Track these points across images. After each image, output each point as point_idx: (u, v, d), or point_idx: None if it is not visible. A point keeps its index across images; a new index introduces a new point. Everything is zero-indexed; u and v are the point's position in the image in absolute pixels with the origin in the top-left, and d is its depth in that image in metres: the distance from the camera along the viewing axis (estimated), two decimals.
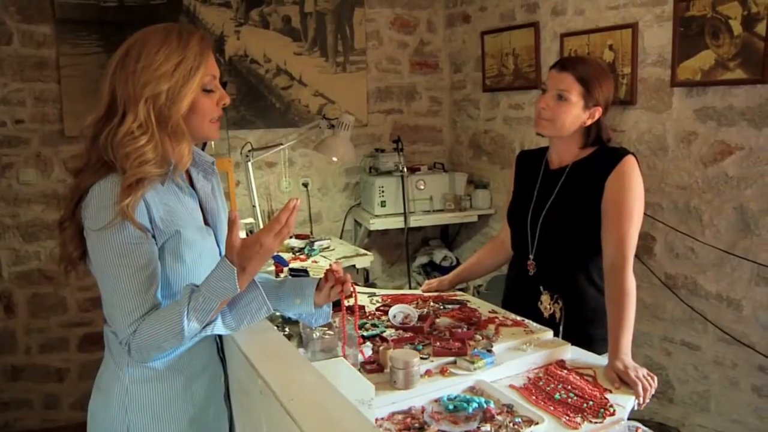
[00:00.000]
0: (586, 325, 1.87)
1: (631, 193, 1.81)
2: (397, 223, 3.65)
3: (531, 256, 1.97)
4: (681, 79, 2.55)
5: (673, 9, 2.54)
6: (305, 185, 3.81)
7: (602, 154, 1.90)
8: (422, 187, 3.72)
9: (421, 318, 1.86)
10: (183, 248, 1.34)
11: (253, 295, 1.32)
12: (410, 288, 3.79)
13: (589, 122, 1.89)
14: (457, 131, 4.11)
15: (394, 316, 1.86)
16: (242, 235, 2.89)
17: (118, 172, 1.29)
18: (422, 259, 4.02)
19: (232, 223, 1.26)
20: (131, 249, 1.26)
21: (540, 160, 2.05)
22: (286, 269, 2.54)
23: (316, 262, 2.90)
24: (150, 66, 1.29)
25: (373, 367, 1.55)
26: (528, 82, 3.42)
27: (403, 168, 3.63)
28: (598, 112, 1.88)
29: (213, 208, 1.48)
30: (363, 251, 3.27)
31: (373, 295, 2.21)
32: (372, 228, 3.65)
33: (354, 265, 3.13)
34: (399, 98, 4.05)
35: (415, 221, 3.68)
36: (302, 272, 2.51)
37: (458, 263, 3.80)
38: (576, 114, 1.87)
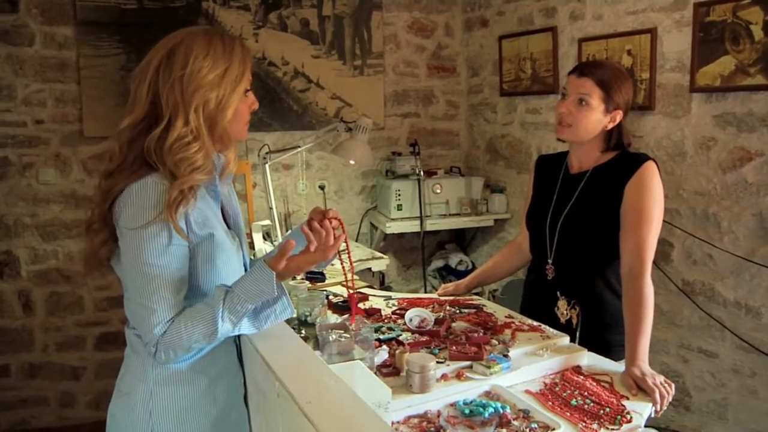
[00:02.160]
0: (603, 331, 1.86)
1: (650, 200, 1.81)
2: (413, 226, 3.65)
3: (550, 261, 1.97)
4: (700, 84, 2.54)
5: (692, 14, 2.53)
6: (322, 188, 3.81)
7: (623, 160, 1.90)
8: (438, 191, 3.71)
9: (438, 322, 1.86)
10: (215, 251, 1.36)
11: (278, 297, 1.34)
12: (425, 292, 3.78)
13: (610, 126, 1.89)
14: (474, 135, 4.11)
15: (411, 320, 1.86)
16: (256, 237, 2.92)
17: (159, 173, 1.29)
18: (438, 263, 4.00)
19: (287, 249, 1.31)
20: (169, 251, 1.27)
21: (560, 164, 2.05)
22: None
23: (332, 264, 2.89)
24: (199, 72, 1.29)
25: (390, 370, 1.55)
26: (545, 87, 3.42)
27: (419, 171, 3.63)
28: (618, 116, 1.89)
29: (234, 211, 1.50)
30: (379, 254, 3.26)
31: (389, 298, 2.22)
32: (388, 231, 3.65)
33: (370, 268, 3.13)
34: (416, 102, 4.05)
35: (431, 225, 3.68)
36: (318, 274, 2.51)
37: (474, 267, 3.86)
38: (597, 118, 1.87)
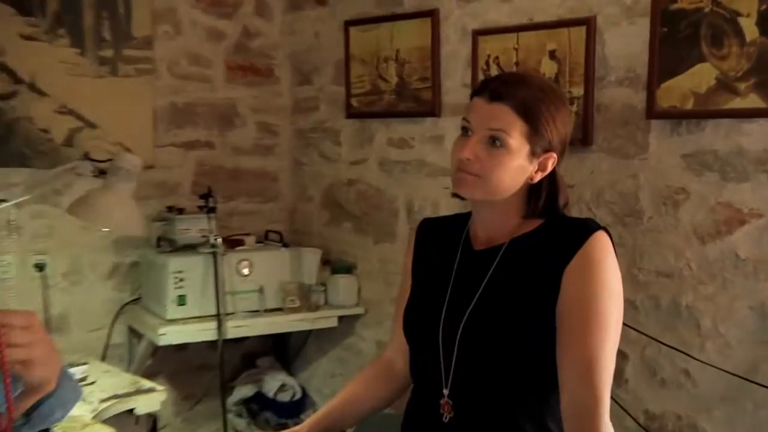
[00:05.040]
0: None
1: (603, 292, 1.83)
2: (204, 332, 3.60)
3: (445, 391, 1.94)
4: (663, 106, 2.62)
5: None
6: (40, 268, 3.65)
7: (557, 229, 1.92)
8: (247, 271, 3.70)
9: None
10: None
11: None
12: None
13: (537, 177, 1.91)
14: (304, 180, 4.15)
15: None
16: None
17: None
18: (245, 391, 4.01)
19: None
20: None
21: (456, 235, 2.07)
22: None
23: None
24: None
25: None
26: (420, 105, 3.47)
27: (215, 240, 3.58)
28: (551, 161, 1.91)
29: None
30: (146, 383, 3.16)
31: None
32: (162, 342, 3.54)
33: (131, 410, 3.00)
34: (208, 123, 4.05)
35: (234, 329, 3.64)
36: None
37: (305, 396, 4.05)
38: (518, 165, 1.87)
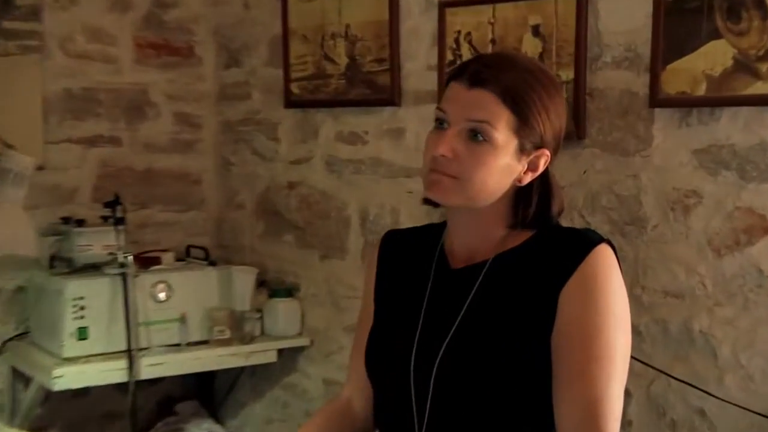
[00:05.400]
0: None
1: (608, 318, 1.83)
2: (111, 372, 3.60)
3: None
4: (669, 92, 2.65)
5: None
6: None
7: (551, 242, 1.94)
8: (164, 296, 3.71)
9: None
10: None
11: None
12: None
13: (527, 179, 1.92)
14: (233, 183, 4.22)
15: None
16: None
17: None
18: None
19: None
20: None
21: (429, 250, 2.07)
22: None
23: None
24: None
25: None
26: (375, 92, 3.51)
27: (124, 258, 3.57)
28: (543, 159, 1.91)
29: None
30: None
31: None
32: (57, 386, 3.50)
33: None
34: (113, 114, 4.05)
35: (149, 368, 3.64)
36: None
37: None
38: (504, 164, 1.88)
